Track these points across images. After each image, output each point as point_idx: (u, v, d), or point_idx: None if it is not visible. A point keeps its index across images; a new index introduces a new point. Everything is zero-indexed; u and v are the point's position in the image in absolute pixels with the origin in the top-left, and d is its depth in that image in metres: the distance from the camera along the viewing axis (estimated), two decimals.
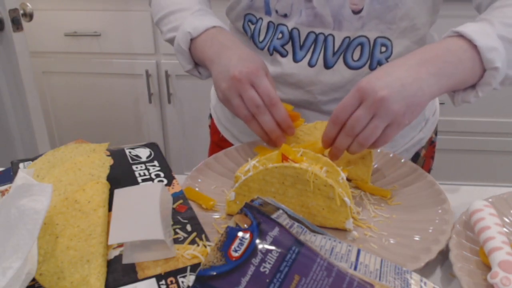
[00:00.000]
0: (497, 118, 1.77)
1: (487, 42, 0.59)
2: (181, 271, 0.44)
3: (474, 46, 0.60)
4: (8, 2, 1.38)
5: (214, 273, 0.38)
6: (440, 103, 0.92)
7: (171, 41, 0.78)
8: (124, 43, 1.85)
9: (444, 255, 0.54)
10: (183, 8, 0.77)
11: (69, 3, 1.81)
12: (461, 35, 0.61)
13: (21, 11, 1.43)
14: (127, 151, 0.62)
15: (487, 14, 0.65)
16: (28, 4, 1.46)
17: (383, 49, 0.73)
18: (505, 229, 0.57)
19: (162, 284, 0.43)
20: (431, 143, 0.90)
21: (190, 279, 0.43)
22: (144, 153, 0.62)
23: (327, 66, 0.75)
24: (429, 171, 0.91)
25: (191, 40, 0.73)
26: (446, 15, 0.88)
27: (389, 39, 0.73)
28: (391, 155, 0.72)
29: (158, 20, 0.81)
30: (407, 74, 0.58)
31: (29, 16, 1.46)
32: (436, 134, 0.91)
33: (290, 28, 0.75)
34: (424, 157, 0.88)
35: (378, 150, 0.73)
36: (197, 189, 0.65)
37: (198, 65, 0.77)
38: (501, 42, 0.60)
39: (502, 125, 1.79)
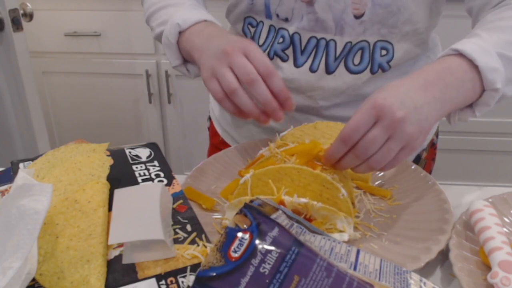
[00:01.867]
0: (497, 118, 1.77)
1: (488, 62, 0.57)
2: (181, 271, 0.44)
3: (475, 66, 0.57)
4: (8, 2, 1.38)
5: (214, 274, 0.38)
6: None
7: (159, 36, 0.74)
8: (124, 43, 1.85)
9: (444, 255, 0.54)
10: (174, 3, 0.75)
11: (69, 3, 1.81)
12: (460, 54, 0.58)
13: (21, 11, 1.43)
14: (127, 151, 0.62)
15: (483, 30, 0.62)
16: (28, 4, 1.46)
17: (384, 52, 0.73)
18: (505, 229, 0.57)
19: (162, 284, 0.43)
20: (432, 145, 0.90)
21: (190, 279, 0.43)
22: (144, 153, 0.62)
23: (329, 71, 0.74)
24: (430, 173, 0.91)
25: (180, 33, 0.70)
26: (448, 15, 0.88)
27: (390, 43, 0.73)
28: None
29: (148, 16, 0.78)
30: (416, 96, 0.54)
31: (29, 16, 1.46)
32: (437, 136, 0.91)
33: (291, 33, 0.74)
34: (425, 159, 0.88)
35: None
36: (197, 189, 0.65)
37: (187, 62, 0.74)
38: (501, 61, 0.58)
39: (502, 125, 1.79)
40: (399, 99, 0.53)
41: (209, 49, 0.63)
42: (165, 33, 0.71)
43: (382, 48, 0.73)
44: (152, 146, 0.64)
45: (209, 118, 0.97)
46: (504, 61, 0.58)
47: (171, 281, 0.43)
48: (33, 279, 0.43)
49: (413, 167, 0.69)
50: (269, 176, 0.58)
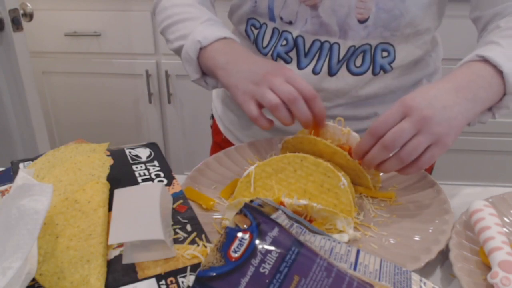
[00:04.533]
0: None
1: (511, 67, 0.60)
2: (181, 271, 0.44)
3: (499, 72, 0.60)
4: (8, 2, 1.38)
5: (214, 274, 0.38)
6: None
7: (178, 50, 0.75)
8: (124, 43, 1.85)
9: (444, 255, 0.54)
10: (192, 18, 0.75)
11: (69, 3, 1.81)
12: (485, 60, 0.60)
13: (21, 11, 1.43)
14: (127, 151, 0.62)
15: (500, 37, 0.64)
16: (28, 4, 1.46)
17: (385, 54, 0.73)
18: (505, 229, 0.57)
19: (162, 284, 0.43)
20: None
21: (190, 279, 0.43)
22: (144, 153, 0.62)
23: (331, 73, 0.75)
24: (431, 169, 0.92)
25: (200, 49, 0.71)
26: (448, 15, 0.88)
27: (391, 45, 0.73)
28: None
29: (164, 28, 0.78)
30: (447, 97, 0.57)
31: (29, 16, 1.46)
32: None
33: (295, 36, 0.74)
34: None
35: None
36: (197, 189, 0.65)
37: (205, 74, 0.75)
38: None
39: (502, 125, 1.79)
40: (428, 100, 0.56)
41: (240, 71, 0.65)
42: (185, 48, 0.72)
43: (383, 50, 0.73)
44: (152, 146, 0.64)
45: (212, 116, 0.97)
46: None
47: (171, 281, 0.43)
48: (33, 279, 0.43)
49: None
50: (273, 167, 0.60)
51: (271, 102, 0.61)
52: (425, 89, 0.58)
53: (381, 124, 0.56)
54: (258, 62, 0.66)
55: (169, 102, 1.92)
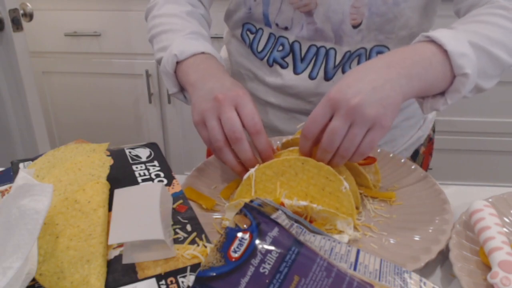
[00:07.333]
0: (496, 118, 1.77)
1: (458, 47, 0.56)
2: (181, 271, 0.44)
3: (445, 51, 0.57)
4: (8, 2, 1.38)
5: (214, 274, 0.38)
6: None
7: (159, 61, 0.73)
8: (124, 43, 1.85)
9: (444, 255, 0.54)
10: (176, 29, 0.73)
11: (69, 3, 1.81)
12: (431, 40, 0.58)
13: (21, 11, 1.43)
14: (127, 151, 0.62)
15: (459, 23, 0.62)
16: (28, 4, 1.46)
17: None
18: (505, 229, 0.57)
19: (162, 284, 0.43)
20: (430, 140, 0.91)
21: (190, 279, 0.43)
22: (144, 153, 0.62)
23: (327, 78, 0.75)
24: (427, 167, 0.92)
25: (177, 63, 0.69)
26: (444, 15, 0.88)
27: (386, 47, 0.73)
28: (391, 155, 0.72)
29: (150, 37, 0.77)
30: (376, 76, 0.54)
31: (29, 16, 1.46)
32: (434, 131, 0.92)
33: (291, 41, 0.74)
34: (423, 154, 0.89)
35: (378, 150, 0.73)
36: (197, 189, 0.65)
37: (184, 89, 0.72)
38: (473, 49, 0.57)
39: (502, 125, 1.79)
40: (354, 86, 0.54)
41: (202, 89, 0.64)
42: (163, 61, 0.70)
43: (379, 52, 0.73)
44: (152, 146, 0.64)
45: None
46: (477, 51, 0.58)
47: (171, 281, 0.43)
48: (33, 279, 0.43)
49: (413, 167, 0.69)
50: (273, 170, 0.59)
51: (216, 143, 0.61)
52: (352, 72, 0.56)
53: (311, 125, 0.55)
54: (221, 80, 0.64)
55: (169, 102, 1.92)
